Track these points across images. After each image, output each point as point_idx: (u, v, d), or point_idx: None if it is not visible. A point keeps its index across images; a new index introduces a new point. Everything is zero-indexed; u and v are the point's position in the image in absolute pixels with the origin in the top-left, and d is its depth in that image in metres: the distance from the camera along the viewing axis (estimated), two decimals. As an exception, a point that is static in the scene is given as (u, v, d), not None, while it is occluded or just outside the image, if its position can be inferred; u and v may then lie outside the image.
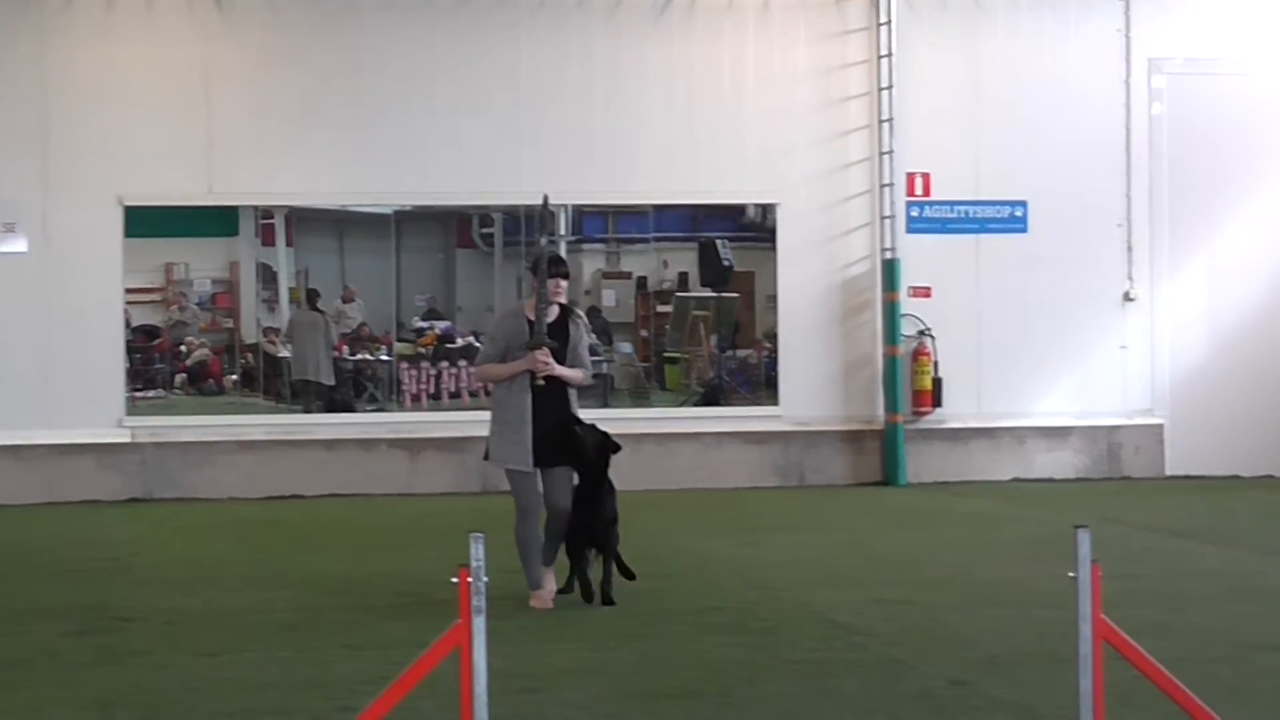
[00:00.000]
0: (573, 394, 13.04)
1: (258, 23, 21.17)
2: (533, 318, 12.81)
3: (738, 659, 10.68)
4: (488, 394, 13.63)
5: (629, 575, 13.15)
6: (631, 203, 21.87)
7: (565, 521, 12.80)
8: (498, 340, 12.93)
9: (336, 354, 21.40)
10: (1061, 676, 9.33)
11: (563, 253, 21.40)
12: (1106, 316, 22.51)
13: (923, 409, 21.95)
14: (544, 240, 13.74)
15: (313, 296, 21.37)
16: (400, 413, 21.40)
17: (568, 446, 12.82)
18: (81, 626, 12.03)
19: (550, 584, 12.95)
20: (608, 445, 13.01)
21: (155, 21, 20.99)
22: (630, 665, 10.54)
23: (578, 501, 12.84)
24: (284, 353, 21.29)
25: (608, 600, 12.79)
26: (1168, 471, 22.54)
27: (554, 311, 12.91)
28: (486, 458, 13.13)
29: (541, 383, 12.70)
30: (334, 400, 21.41)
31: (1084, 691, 7.42)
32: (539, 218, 14.13)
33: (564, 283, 12.97)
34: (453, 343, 21.52)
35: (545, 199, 13.97)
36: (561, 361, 12.81)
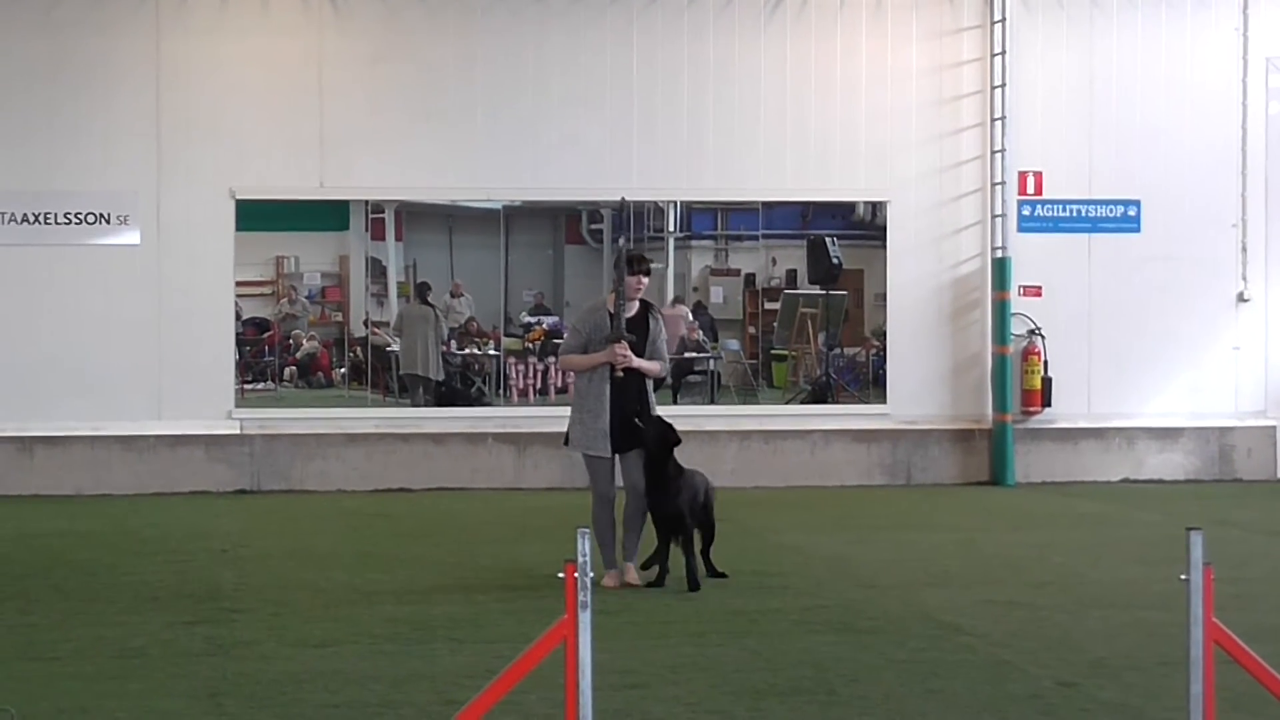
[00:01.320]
0: (650, 385, 13.55)
1: (371, 18, 21.29)
2: (614, 312, 13.31)
3: (843, 657, 10.64)
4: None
5: (716, 574, 13.66)
6: (741, 199, 21.84)
7: (642, 502, 13.37)
8: (580, 332, 13.47)
9: (445, 348, 21.50)
10: (1170, 680, 9.27)
11: (670, 249, 21.44)
12: (1220, 317, 22.31)
13: (1032, 409, 21.83)
14: (620, 240, 14.03)
15: (423, 290, 21.45)
16: (507, 407, 21.46)
17: (647, 430, 13.36)
18: (191, 616, 12.13)
19: (631, 575, 13.48)
20: (668, 437, 13.34)
21: (269, 16, 21.15)
22: (735, 662, 10.52)
23: (646, 491, 13.35)
24: (393, 346, 21.38)
25: (693, 585, 13.18)
26: (1280, 474, 22.37)
27: (634, 306, 13.47)
28: (566, 443, 13.70)
29: (620, 374, 13.23)
30: (442, 394, 21.50)
31: (1194, 695, 7.35)
32: (617, 218, 14.46)
33: (645, 280, 13.50)
34: (560, 338, 21.54)
35: (622, 200, 14.42)
36: (640, 354, 13.34)
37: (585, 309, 13.91)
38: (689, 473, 13.52)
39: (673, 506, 13.29)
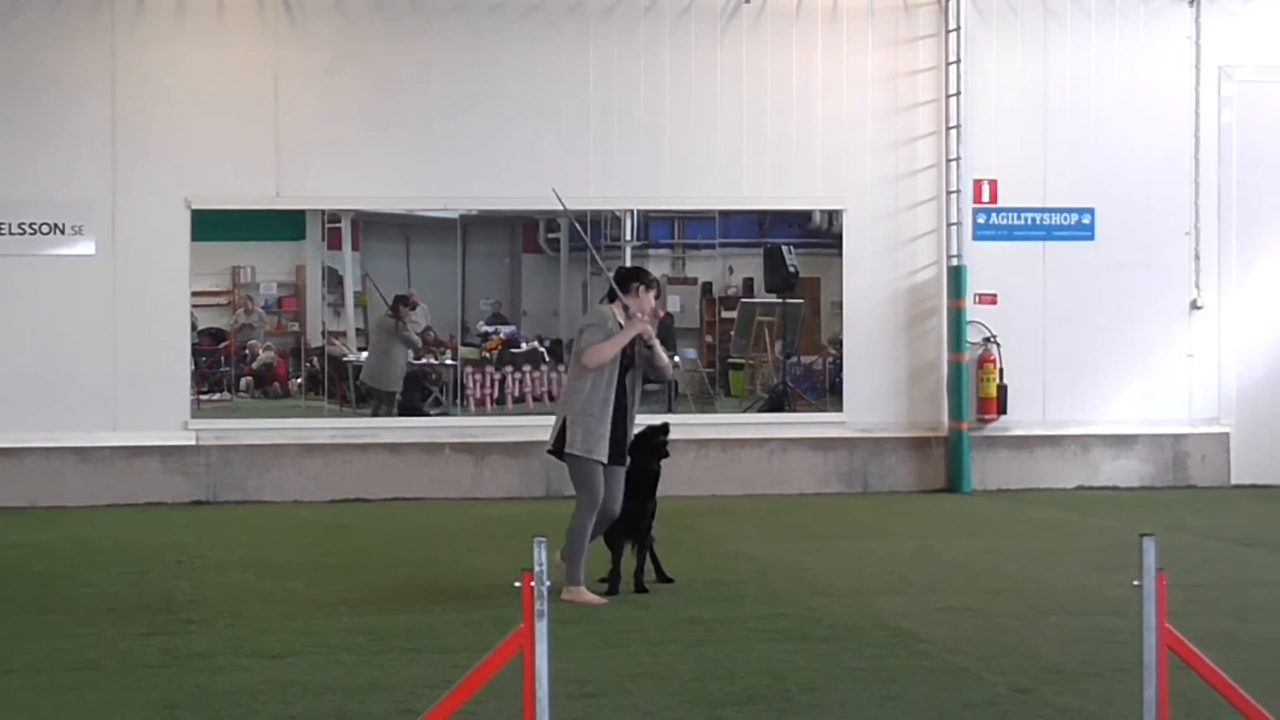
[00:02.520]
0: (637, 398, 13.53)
1: (327, 27, 21.26)
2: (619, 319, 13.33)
3: (800, 665, 10.66)
4: (542, 400, 13.78)
5: (666, 578, 13.88)
6: (698, 208, 21.85)
7: (610, 523, 13.30)
8: (602, 328, 13.17)
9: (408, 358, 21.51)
10: (1125, 685, 9.31)
11: (628, 258, 21.46)
12: (1173, 324, 22.41)
13: (988, 416, 21.89)
14: (564, 208, 14.17)
15: (396, 302, 21.36)
16: (464, 417, 21.44)
17: (650, 440, 13.59)
18: (147, 628, 12.10)
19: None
20: (664, 446, 13.83)
21: (225, 25, 21.09)
22: (692, 671, 10.53)
23: (630, 495, 13.37)
24: (349, 356, 21.34)
25: (640, 589, 13.49)
26: (1233, 480, 22.42)
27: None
28: (560, 448, 13.16)
29: (648, 350, 13.19)
30: (399, 404, 21.45)
31: (1147, 700, 7.39)
32: (563, 206, 14.55)
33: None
34: (517, 347, 21.54)
35: (555, 191, 14.43)
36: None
37: (596, 312, 13.65)
38: None
39: (650, 513, 13.61)
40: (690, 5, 21.69)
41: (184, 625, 12.24)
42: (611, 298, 13.49)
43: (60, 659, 11.00)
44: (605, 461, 13.07)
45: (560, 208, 14.33)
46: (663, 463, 13.78)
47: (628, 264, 21.31)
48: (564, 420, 13.17)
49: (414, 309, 21.45)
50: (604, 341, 13.07)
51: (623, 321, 13.22)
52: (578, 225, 14.59)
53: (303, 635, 11.81)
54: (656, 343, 13.31)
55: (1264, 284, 22.58)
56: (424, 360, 21.51)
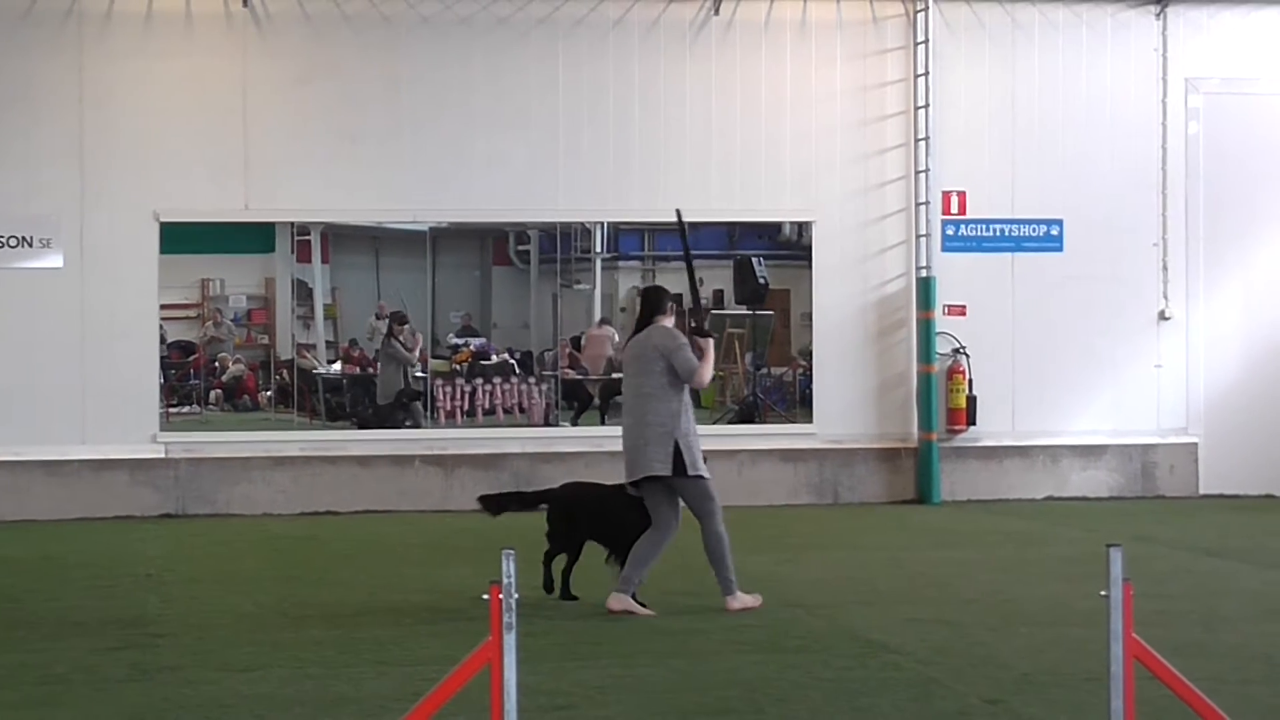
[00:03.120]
0: None
1: (296, 40, 21.23)
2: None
3: (771, 677, 10.66)
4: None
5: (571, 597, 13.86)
6: (668, 220, 21.82)
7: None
8: (688, 346, 13.27)
9: (373, 370, 21.47)
10: (1095, 695, 9.32)
11: (598, 270, 21.47)
12: (1141, 335, 22.47)
13: (957, 427, 21.93)
14: (681, 229, 14.20)
15: (390, 320, 21.32)
16: (434, 429, 21.41)
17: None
18: (115, 642, 12.06)
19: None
20: None
21: (194, 38, 21.05)
22: (663, 683, 10.53)
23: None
24: (320, 369, 21.31)
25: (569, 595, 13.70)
26: (1202, 490, 22.48)
27: None
28: (680, 472, 13.30)
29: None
30: (369, 417, 21.41)
31: (1115, 711, 7.41)
32: (680, 232, 14.51)
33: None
34: (488, 360, 21.52)
35: (678, 213, 14.46)
36: None
37: (672, 332, 13.41)
38: None
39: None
40: (659, 18, 21.72)
41: (152, 639, 12.20)
42: (648, 317, 13.43)
43: (28, 674, 10.95)
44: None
45: (678, 228, 14.34)
46: None
47: (597, 277, 21.40)
48: (675, 443, 13.24)
49: (404, 324, 21.42)
50: (703, 361, 13.26)
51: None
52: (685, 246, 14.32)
53: (271, 649, 11.78)
54: None
55: (1231, 295, 22.66)
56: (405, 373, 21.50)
